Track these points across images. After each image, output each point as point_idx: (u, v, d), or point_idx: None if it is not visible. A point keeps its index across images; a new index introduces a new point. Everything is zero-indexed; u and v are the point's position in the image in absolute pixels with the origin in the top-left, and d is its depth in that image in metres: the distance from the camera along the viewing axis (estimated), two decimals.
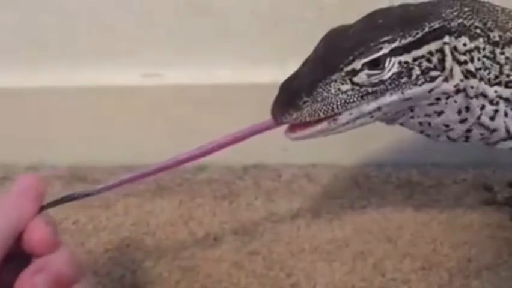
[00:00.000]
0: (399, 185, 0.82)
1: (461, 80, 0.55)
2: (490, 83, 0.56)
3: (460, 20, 0.55)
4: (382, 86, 0.53)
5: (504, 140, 0.59)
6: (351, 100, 0.53)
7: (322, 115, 0.53)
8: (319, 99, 0.53)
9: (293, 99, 0.53)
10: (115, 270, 0.70)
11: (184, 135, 0.79)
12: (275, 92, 0.54)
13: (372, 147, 0.85)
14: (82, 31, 0.85)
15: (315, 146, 0.79)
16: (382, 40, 0.53)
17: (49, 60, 0.86)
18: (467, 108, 0.56)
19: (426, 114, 0.56)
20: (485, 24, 0.56)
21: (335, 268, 0.69)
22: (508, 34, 0.57)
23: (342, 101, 0.53)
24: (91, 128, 0.88)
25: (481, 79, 0.56)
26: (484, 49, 0.56)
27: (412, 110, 0.56)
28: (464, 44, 0.55)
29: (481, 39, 0.56)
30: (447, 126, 0.57)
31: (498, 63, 0.56)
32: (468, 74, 0.55)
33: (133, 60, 0.85)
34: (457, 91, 0.55)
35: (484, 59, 0.56)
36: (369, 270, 0.68)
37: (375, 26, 0.55)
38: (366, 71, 0.53)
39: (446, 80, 0.54)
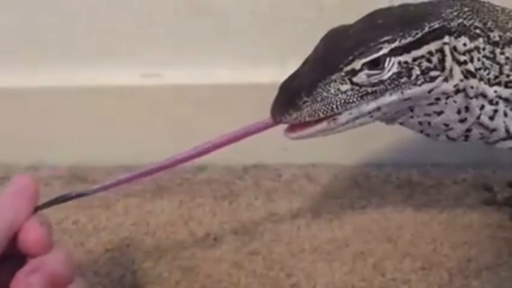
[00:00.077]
0: (399, 185, 0.82)
1: (461, 80, 0.55)
2: (489, 83, 0.56)
3: (460, 20, 0.55)
4: (382, 86, 0.53)
5: (504, 139, 0.59)
6: (351, 100, 0.53)
7: (322, 115, 0.53)
8: (319, 99, 0.53)
9: (293, 99, 0.53)
10: (115, 270, 0.70)
11: (184, 135, 0.79)
12: (275, 92, 0.54)
13: (372, 147, 0.85)
14: (82, 31, 0.85)
15: (315, 146, 0.79)
16: (382, 40, 0.53)
17: (49, 60, 0.86)
18: (467, 108, 0.56)
19: (425, 114, 0.56)
20: (485, 24, 0.56)
21: (335, 268, 0.69)
22: (508, 34, 0.57)
23: (342, 101, 0.53)
24: (91, 128, 0.88)
25: (481, 79, 0.56)
26: (483, 49, 0.56)
27: (412, 110, 0.56)
28: (464, 44, 0.55)
29: (480, 39, 0.56)
30: (447, 125, 0.57)
31: (498, 63, 0.56)
32: (468, 74, 0.55)
33: (133, 60, 0.85)
34: (457, 91, 0.55)
35: (484, 59, 0.56)
36: (369, 270, 0.68)
37: (375, 26, 0.55)
38: (366, 71, 0.53)
39: (445, 80, 0.54)
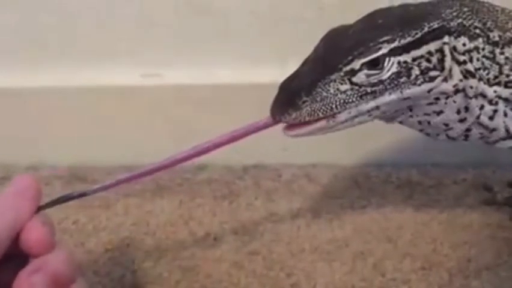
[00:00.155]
0: (399, 185, 0.82)
1: (461, 80, 0.55)
2: (489, 83, 0.56)
3: (460, 20, 0.55)
4: (381, 86, 0.53)
5: (503, 139, 0.59)
6: (350, 100, 0.53)
7: (321, 115, 0.53)
8: (318, 99, 0.53)
9: (292, 99, 0.53)
10: (115, 270, 0.70)
11: (184, 135, 0.79)
12: (275, 92, 0.54)
13: (372, 147, 0.85)
14: (82, 31, 0.85)
15: (315, 146, 0.79)
16: (381, 40, 0.53)
17: (49, 60, 0.86)
18: (467, 108, 0.56)
19: (425, 114, 0.56)
20: (484, 24, 0.56)
21: (335, 268, 0.69)
22: (508, 34, 0.57)
23: (341, 100, 0.53)
24: (91, 128, 0.88)
25: (480, 79, 0.56)
26: (483, 49, 0.56)
27: (411, 110, 0.56)
28: (464, 44, 0.55)
29: (480, 40, 0.56)
30: (446, 125, 0.57)
31: (497, 63, 0.56)
32: (467, 74, 0.55)
33: (133, 60, 0.85)
34: (456, 91, 0.55)
35: (484, 59, 0.56)
36: (369, 270, 0.68)
37: (375, 26, 0.55)
38: (365, 71, 0.53)
39: (445, 80, 0.54)
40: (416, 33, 0.54)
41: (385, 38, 0.53)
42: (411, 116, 0.57)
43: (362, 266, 0.69)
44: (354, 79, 0.53)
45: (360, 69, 0.53)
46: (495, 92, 0.56)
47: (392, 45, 0.53)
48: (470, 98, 0.55)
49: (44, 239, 0.49)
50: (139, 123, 0.87)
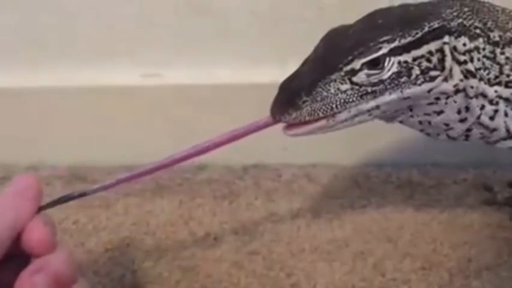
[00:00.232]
0: (399, 185, 0.82)
1: (461, 80, 0.55)
2: (489, 83, 0.56)
3: (460, 20, 0.55)
4: (381, 86, 0.53)
5: (504, 139, 0.59)
6: (351, 99, 0.53)
7: (321, 114, 0.53)
8: (318, 98, 0.53)
9: (293, 99, 0.53)
10: (115, 270, 0.70)
11: (184, 135, 0.79)
12: (275, 92, 0.54)
13: (372, 147, 0.85)
14: (82, 31, 0.85)
15: (315, 145, 0.79)
16: (381, 40, 0.53)
17: (49, 60, 0.86)
18: (467, 108, 0.56)
19: (425, 114, 0.56)
20: (485, 24, 0.56)
21: (335, 268, 0.69)
22: (508, 34, 0.57)
23: (342, 100, 0.53)
24: (91, 128, 0.88)
25: (481, 79, 0.56)
26: (483, 49, 0.56)
27: (411, 109, 0.56)
28: (464, 44, 0.55)
29: (480, 39, 0.56)
30: (447, 125, 0.57)
31: (498, 63, 0.56)
32: (468, 74, 0.55)
33: (133, 60, 0.85)
34: (457, 91, 0.55)
35: (484, 59, 0.56)
36: (369, 270, 0.68)
37: (375, 26, 0.55)
38: (366, 71, 0.53)
39: (445, 79, 0.54)
40: (417, 33, 0.54)
41: (385, 38, 0.53)
42: (411, 116, 0.57)
43: (362, 266, 0.69)
44: (354, 79, 0.53)
45: (360, 69, 0.53)
46: (496, 92, 0.56)
47: (392, 45, 0.53)
48: (471, 98, 0.55)
49: (46, 239, 0.49)
50: (139, 123, 0.87)
